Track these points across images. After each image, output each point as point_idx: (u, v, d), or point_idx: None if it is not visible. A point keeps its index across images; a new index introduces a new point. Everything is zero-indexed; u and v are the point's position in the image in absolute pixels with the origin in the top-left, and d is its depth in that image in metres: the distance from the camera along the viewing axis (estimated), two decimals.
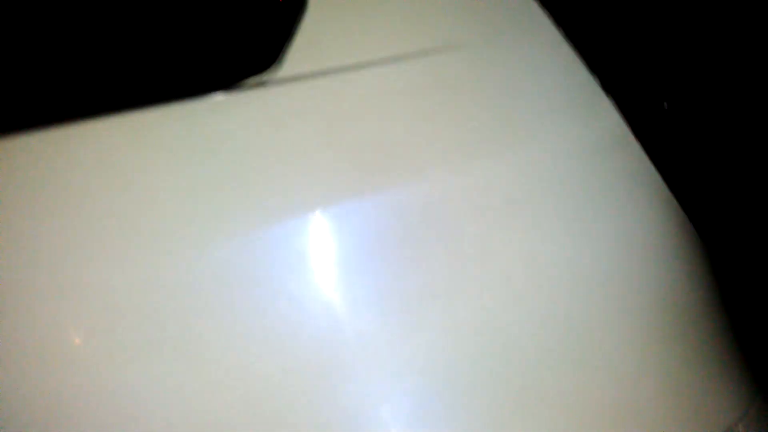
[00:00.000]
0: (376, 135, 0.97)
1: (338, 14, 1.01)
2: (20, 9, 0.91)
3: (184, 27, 0.96)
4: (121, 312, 0.81)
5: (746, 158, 1.30)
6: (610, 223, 1.10)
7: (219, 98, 0.92)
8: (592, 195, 1.10)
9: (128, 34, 0.95)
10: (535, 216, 1.05)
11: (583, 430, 0.99)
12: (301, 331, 0.87)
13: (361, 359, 0.89)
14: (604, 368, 1.02)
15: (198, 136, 0.90)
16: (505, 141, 1.04)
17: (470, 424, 0.95)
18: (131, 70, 0.92)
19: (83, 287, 0.82)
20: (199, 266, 0.86)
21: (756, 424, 1.13)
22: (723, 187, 1.26)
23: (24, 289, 0.80)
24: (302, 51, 0.97)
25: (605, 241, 1.08)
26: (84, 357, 0.81)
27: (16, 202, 0.82)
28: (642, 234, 1.13)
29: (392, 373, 0.90)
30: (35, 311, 0.80)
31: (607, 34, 1.17)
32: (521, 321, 0.99)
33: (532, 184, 1.05)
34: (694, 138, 1.23)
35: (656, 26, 1.22)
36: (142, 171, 0.86)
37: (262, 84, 0.95)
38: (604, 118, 1.13)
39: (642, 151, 1.13)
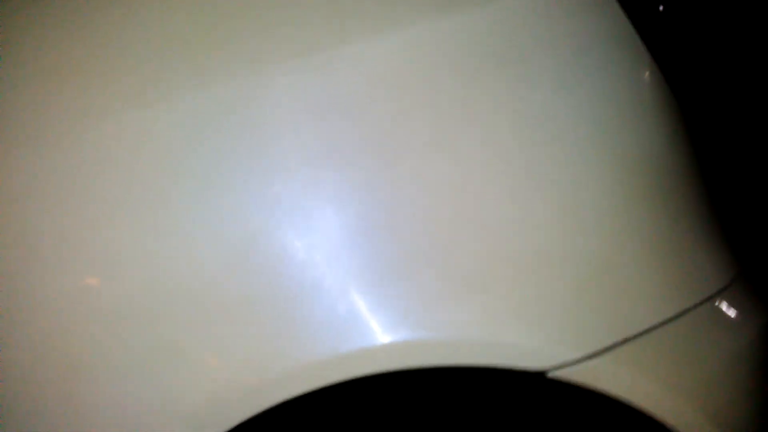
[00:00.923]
0: None
1: None
2: None
3: None
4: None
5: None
6: (591, 81, 1.11)
7: None
8: (573, 53, 1.12)
9: None
10: (518, 72, 1.08)
11: (564, 285, 1.01)
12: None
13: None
14: (587, 227, 1.05)
15: None
16: None
17: (464, 279, 1.06)
18: None
19: None
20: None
21: (738, 301, 1.16)
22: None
23: None
24: None
25: (587, 100, 1.10)
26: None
27: None
28: (624, 95, 1.14)
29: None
30: None
31: None
32: (504, 181, 1.02)
33: (512, 38, 1.08)
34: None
35: None
36: None
37: None
38: None
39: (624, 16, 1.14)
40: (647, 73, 1.20)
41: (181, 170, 1.05)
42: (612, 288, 1.14)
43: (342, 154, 1.06)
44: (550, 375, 1.12)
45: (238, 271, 1.04)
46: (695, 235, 1.22)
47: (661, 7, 1.24)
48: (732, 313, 1.22)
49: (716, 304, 1.21)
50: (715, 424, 1.17)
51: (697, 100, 1.26)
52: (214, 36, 1.09)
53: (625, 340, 1.13)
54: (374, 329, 1.07)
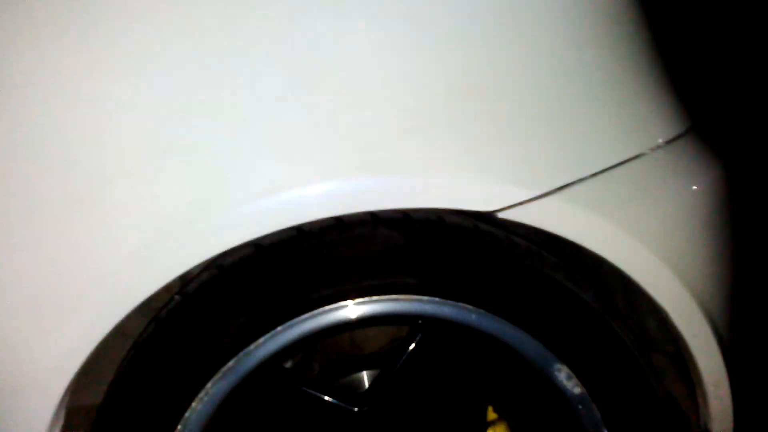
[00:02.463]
0: None
1: None
2: None
3: None
4: None
5: None
6: None
7: None
8: None
9: None
10: None
11: (513, 125, 1.04)
12: None
13: None
14: (534, 64, 1.06)
15: None
16: None
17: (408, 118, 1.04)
18: None
19: None
20: None
21: (692, 152, 1.15)
22: None
23: None
24: None
25: None
26: None
27: None
28: None
29: None
30: None
31: None
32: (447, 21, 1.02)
33: None
34: None
35: None
36: None
37: None
38: None
39: None
40: None
41: None
42: (564, 128, 1.11)
43: None
44: (501, 216, 1.09)
45: None
46: (647, 84, 1.20)
47: None
48: (686, 162, 1.20)
49: (670, 151, 1.18)
50: (671, 268, 1.15)
51: None
52: None
53: (578, 181, 1.10)
54: (311, 173, 1.03)
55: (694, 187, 1.19)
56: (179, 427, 1.11)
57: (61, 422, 1.11)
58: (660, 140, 1.18)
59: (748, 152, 1.32)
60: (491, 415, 1.41)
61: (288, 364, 1.41)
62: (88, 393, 1.16)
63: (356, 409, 1.21)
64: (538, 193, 1.09)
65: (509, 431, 1.38)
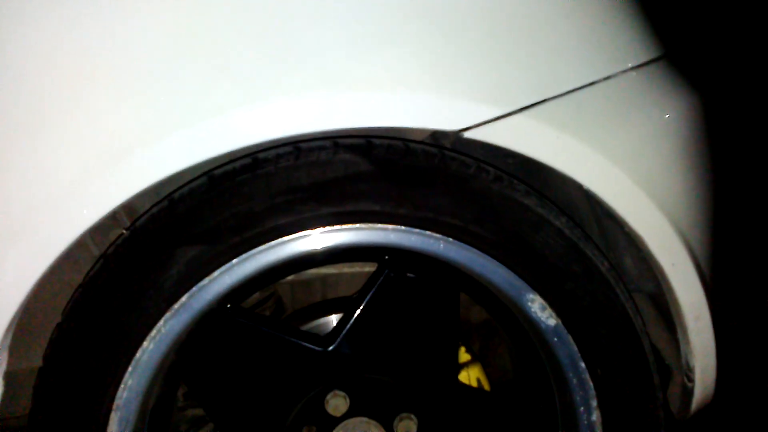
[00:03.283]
0: None
1: None
2: None
3: None
4: None
5: None
6: None
7: None
8: None
9: None
10: None
11: (478, 42, 1.01)
12: None
13: None
14: None
15: None
16: None
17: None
18: None
19: None
20: None
21: (663, 78, 1.12)
22: None
23: None
24: None
25: None
26: None
27: None
28: None
29: None
30: None
31: None
32: None
33: None
34: None
35: None
36: None
37: None
38: None
39: None
40: None
41: None
42: (531, 48, 1.06)
43: None
44: (467, 135, 1.03)
45: None
46: (618, 8, 1.15)
47: None
48: (658, 87, 1.15)
49: (640, 76, 1.14)
50: (645, 192, 1.10)
51: None
52: None
53: (546, 100, 1.05)
54: (266, 92, 0.97)
55: (667, 115, 1.15)
56: (129, 368, 1.04)
57: (3, 366, 1.04)
58: (629, 64, 1.13)
59: (723, 83, 1.27)
60: (464, 356, 1.35)
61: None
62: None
63: (320, 349, 1.14)
64: (504, 111, 1.03)
65: (483, 373, 1.33)
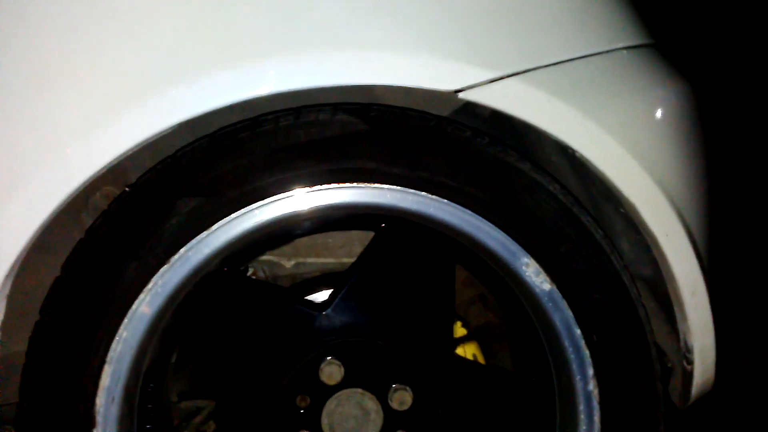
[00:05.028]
0: None
1: None
2: None
3: None
4: None
5: None
6: None
7: None
8: None
9: None
10: None
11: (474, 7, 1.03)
12: None
13: None
14: None
15: None
16: None
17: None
18: None
19: None
20: None
21: (653, 62, 1.14)
22: None
23: None
24: None
25: None
26: None
27: None
28: None
29: None
30: None
31: None
32: None
33: None
34: None
35: None
36: None
37: None
38: None
39: None
40: None
41: None
42: (525, 17, 1.11)
43: None
44: (462, 96, 1.06)
45: None
46: None
47: None
48: (648, 68, 1.20)
49: (632, 54, 1.18)
50: (637, 160, 1.12)
51: None
52: None
53: (541, 67, 1.09)
54: (271, 48, 1.02)
55: (661, 93, 1.19)
56: (125, 320, 1.04)
57: (1, 315, 1.04)
58: (621, 44, 1.18)
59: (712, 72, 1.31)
60: (461, 330, 1.34)
61: None
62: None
63: (316, 313, 1.14)
64: (500, 74, 1.07)
65: (479, 349, 1.31)
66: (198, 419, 1.41)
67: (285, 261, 1.50)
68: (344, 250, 1.53)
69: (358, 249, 1.51)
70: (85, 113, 1.00)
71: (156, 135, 1.00)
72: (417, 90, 1.06)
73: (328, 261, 1.50)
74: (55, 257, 1.08)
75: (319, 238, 1.50)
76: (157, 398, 1.16)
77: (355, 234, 1.50)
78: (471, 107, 1.13)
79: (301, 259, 1.50)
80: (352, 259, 1.51)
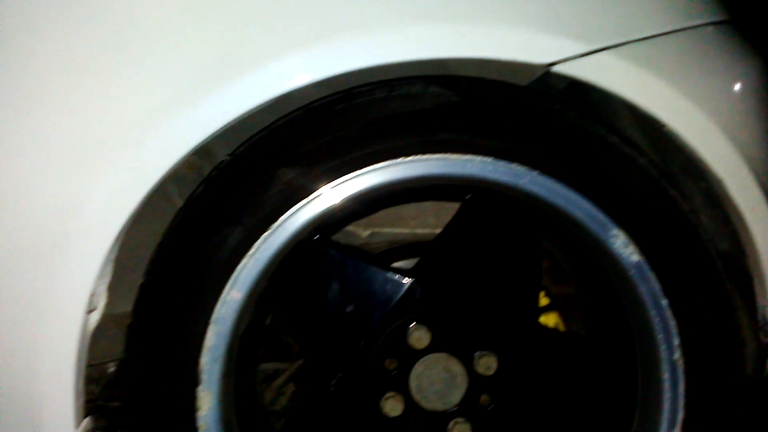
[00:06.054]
0: None
1: None
2: None
3: None
4: None
5: None
6: None
7: None
8: None
9: None
10: None
11: None
12: None
13: None
14: None
15: None
16: None
17: None
18: None
19: None
20: None
21: (734, 38, 1.15)
22: None
23: None
24: None
25: None
26: None
27: None
28: None
29: None
30: None
31: None
32: None
33: None
34: None
35: None
36: None
37: None
38: None
39: None
40: None
41: None
42: None
43: None
44: (554, 69, 1.08)
45: None
46: None
47: None
48: (731, 45, 1.20)
49: (716, 30, 1.18)
50: (726, 135, 1.13)
51: None
52: None
53: (631, 41, 1.10)
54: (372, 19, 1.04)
55: (745, 67, 1.19)
56: (228, 284, 1.09)
57: (108, 278, 1.09)
58: (706, 20, 1.18)
59: None
60: (543, 300, 1.37)
61: None
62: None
63: (405, 280, 1.18)
64: (593, 47, 1.08)
65: (561, 319, 1.34)
66: (279, 381, 1.47)
67: (361, 230, 1.54)
68: (417, 221, 1.57)
69: (432, 220, 1.55)
70: (192, 82, 1.04)
71: (261, 105, 1.04)
72: (493, 62, 1.08)
73: (402, 231, 1.54)
74: (146, 225, 1.13)
75: (392, 209, 1.54)
76: (252, 359, 1.21)
77: (428, 205, 1.54)
78: (546, 79, 1.15)
79: (376, 229, 1.54)
80: (426, 230, 1.55)
